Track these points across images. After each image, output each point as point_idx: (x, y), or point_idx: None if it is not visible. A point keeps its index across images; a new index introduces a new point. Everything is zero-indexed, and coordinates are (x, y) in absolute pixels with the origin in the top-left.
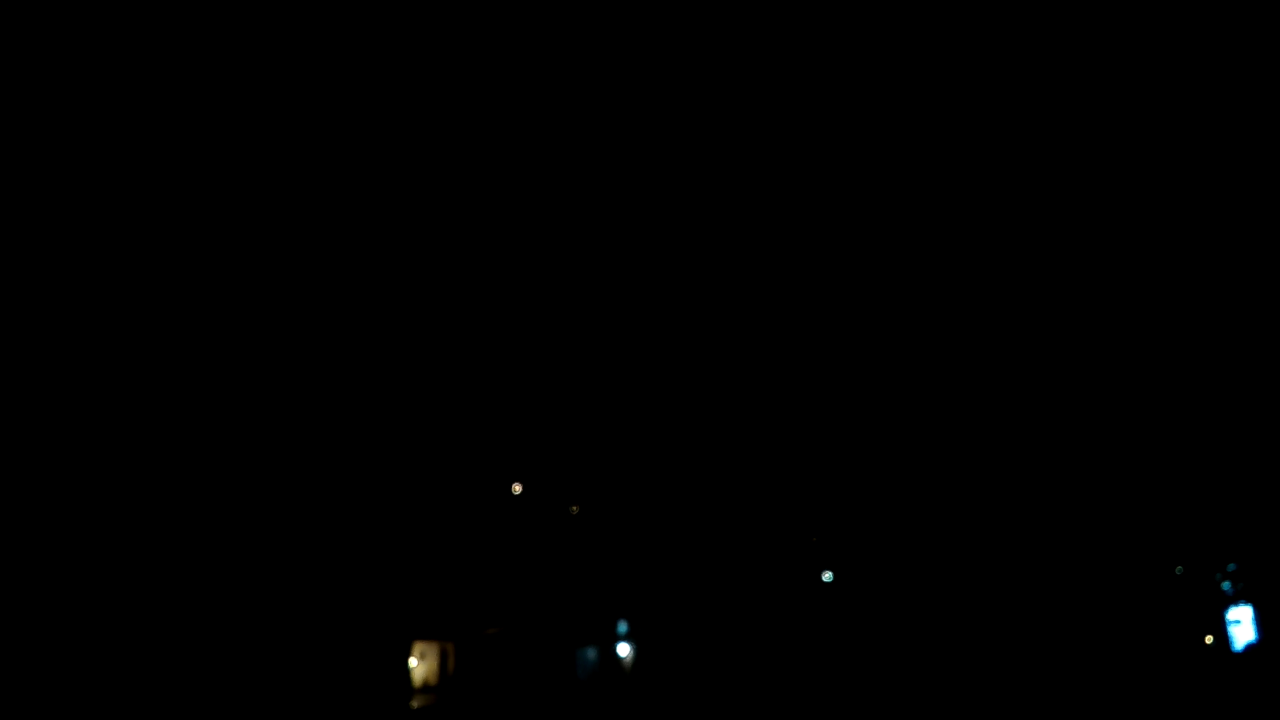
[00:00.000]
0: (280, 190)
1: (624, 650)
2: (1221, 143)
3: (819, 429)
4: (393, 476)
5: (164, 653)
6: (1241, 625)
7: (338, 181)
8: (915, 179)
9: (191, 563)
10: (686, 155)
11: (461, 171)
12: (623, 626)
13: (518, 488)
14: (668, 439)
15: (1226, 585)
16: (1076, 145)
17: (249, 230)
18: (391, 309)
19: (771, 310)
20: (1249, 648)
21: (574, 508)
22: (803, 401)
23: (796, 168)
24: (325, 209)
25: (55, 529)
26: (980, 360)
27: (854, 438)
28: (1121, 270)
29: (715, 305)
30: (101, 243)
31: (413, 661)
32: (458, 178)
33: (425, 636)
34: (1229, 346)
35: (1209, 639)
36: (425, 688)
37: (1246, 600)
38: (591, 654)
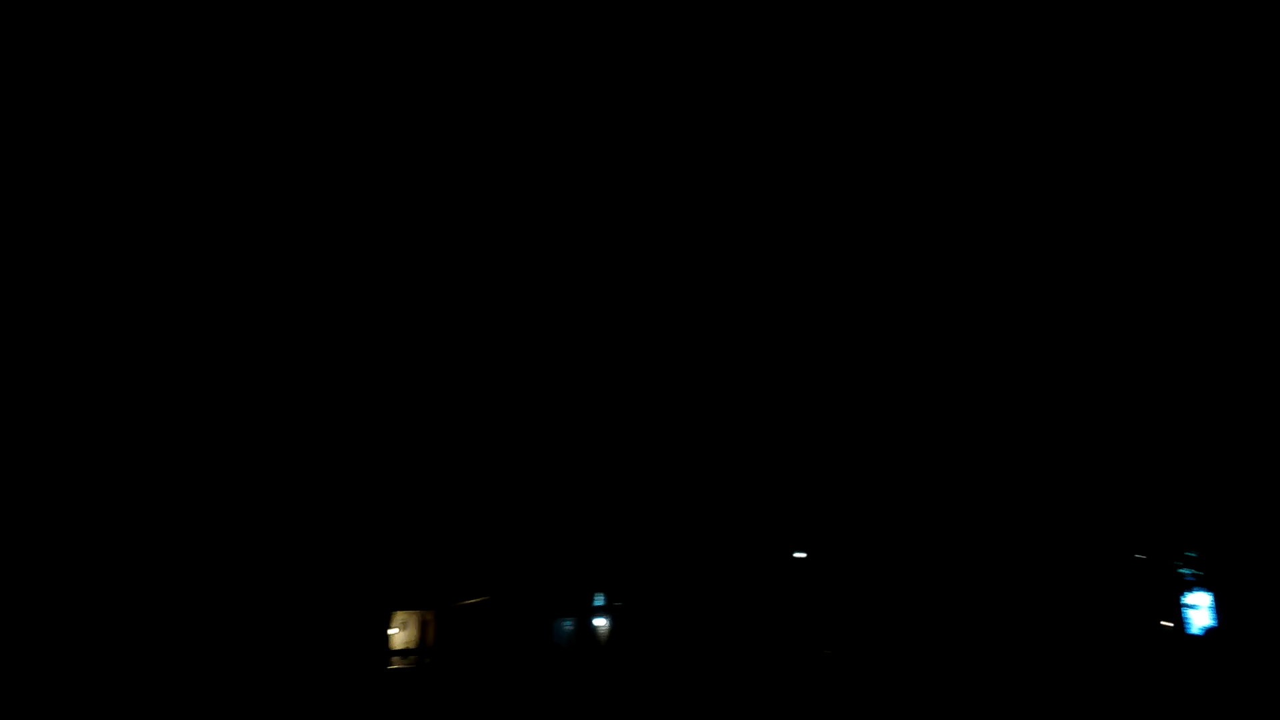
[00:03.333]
0: (281, 190)
1: (600, 622)
2: (1221, 143)
3: (799, 413)
4: (375, 452)
5: (147, 625)
6: (1199, 610)
7: (339, 182)
8: (915, 179)
9: (178, 537)
10: (687, 155)
11: (469, 170)
12: (599, 599)
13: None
14: (648, 418)
15: (1186, 571)
16: (1076, 145)
17: (249, 230)
18: (378, 297)
19: (760, 300)
20: (1208, 632)
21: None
22: (785, 385)
23: (796, 168)
24: (326, 209)
25: (34, 502)
26: (954, 350)
27: (831, 422)
28: (1093, 264)
29: (700, 295)
30: (101, 243)
31: (393, 630)
32: (465, 177)
33: (406, 606)
34: (1192, 339)
35: (1167, 624)
36: (405, 654)
37: (1205, 587)
38: (568, 625)
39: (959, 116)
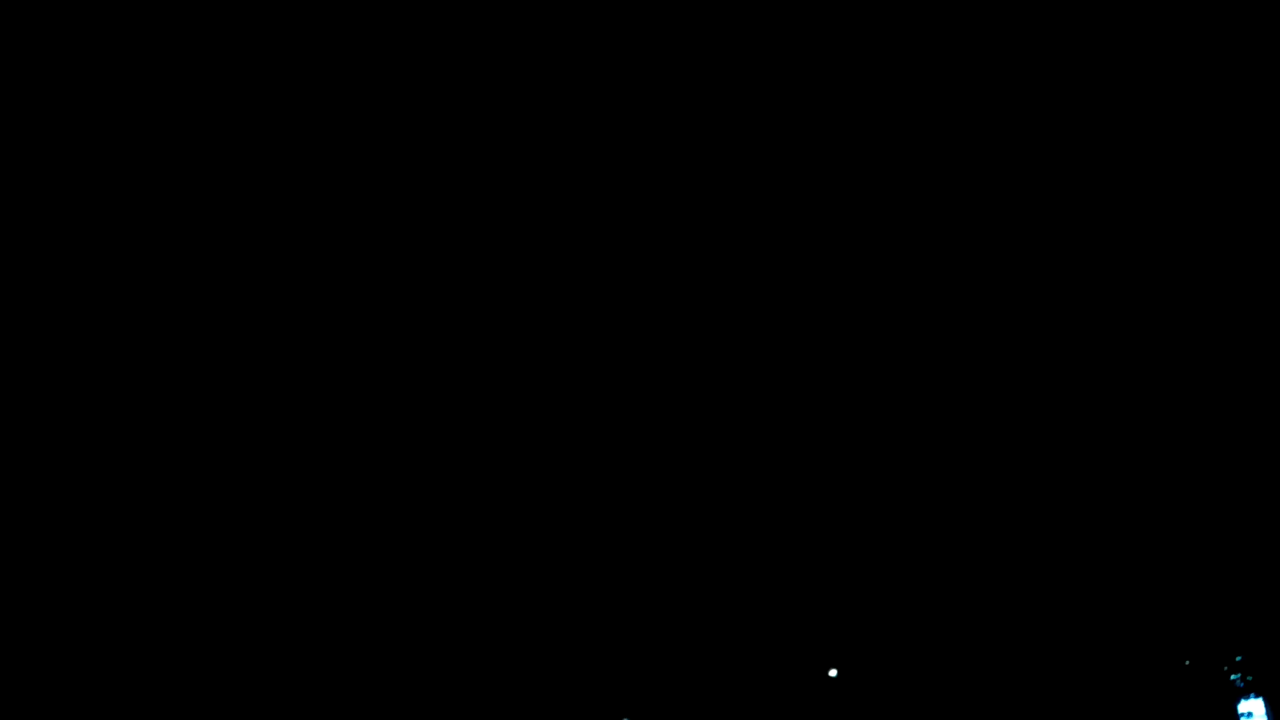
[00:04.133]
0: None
1: None
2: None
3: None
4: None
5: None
6: (1254, 718)
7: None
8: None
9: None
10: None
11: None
12: None
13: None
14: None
15: (1235, 677)
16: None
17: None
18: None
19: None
20: None
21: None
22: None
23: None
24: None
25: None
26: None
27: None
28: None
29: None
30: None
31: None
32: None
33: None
34: (1228, 425)
35: None
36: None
37: (1257, 692)
38: None
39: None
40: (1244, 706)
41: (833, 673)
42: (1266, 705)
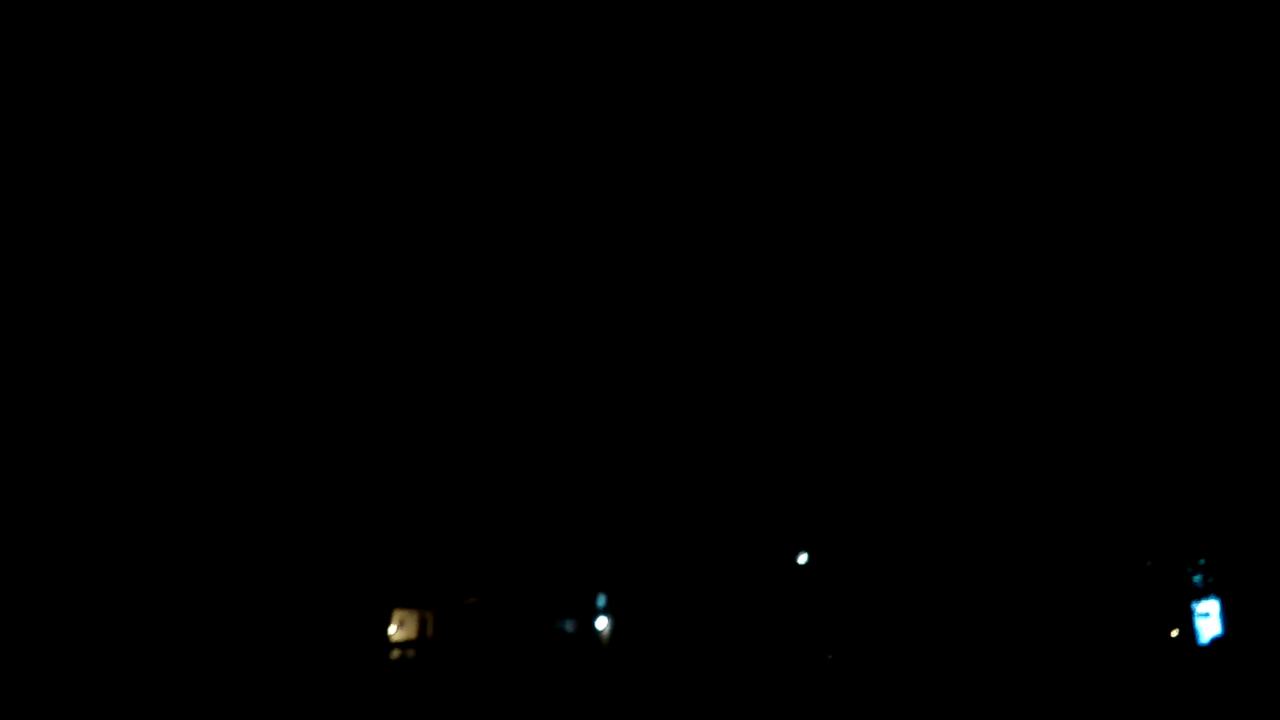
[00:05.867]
0: (282, 190)
1: (602, 624)
2: (1222, 143)
3: (802, 410)
4: (375, 449)
5: (141, 626)
6: (1209, 619)
7: (337, 180)
8: (916, 178)
9: (172, 534)
10: (689, 155)
11: (467, 169)
12: (601, 600)
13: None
14: (651, 414)
15: (1197, 579)
16: (1077, 145)
17: (247, 228)
18: (377, 292)
19: (758, 300)
20: (1214, 642)
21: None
22: (789, 383)
23: (797, 167)
24: (323, 207)
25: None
26: (958, 352)
27: (829, 416)
28: (1093, 262)
29: (699, 292)
30: (101, 242)
31: (392, 629)
32: (464, 175)
33: (405, 605)
34: (1201, 340)
35: (1175, 633)
36: (404, 646)
37: (1214, 594)
38: (569, 626)
39: (959, 116)
40: (1201, 607)
41: (802, 559)
42: (1221, 604)
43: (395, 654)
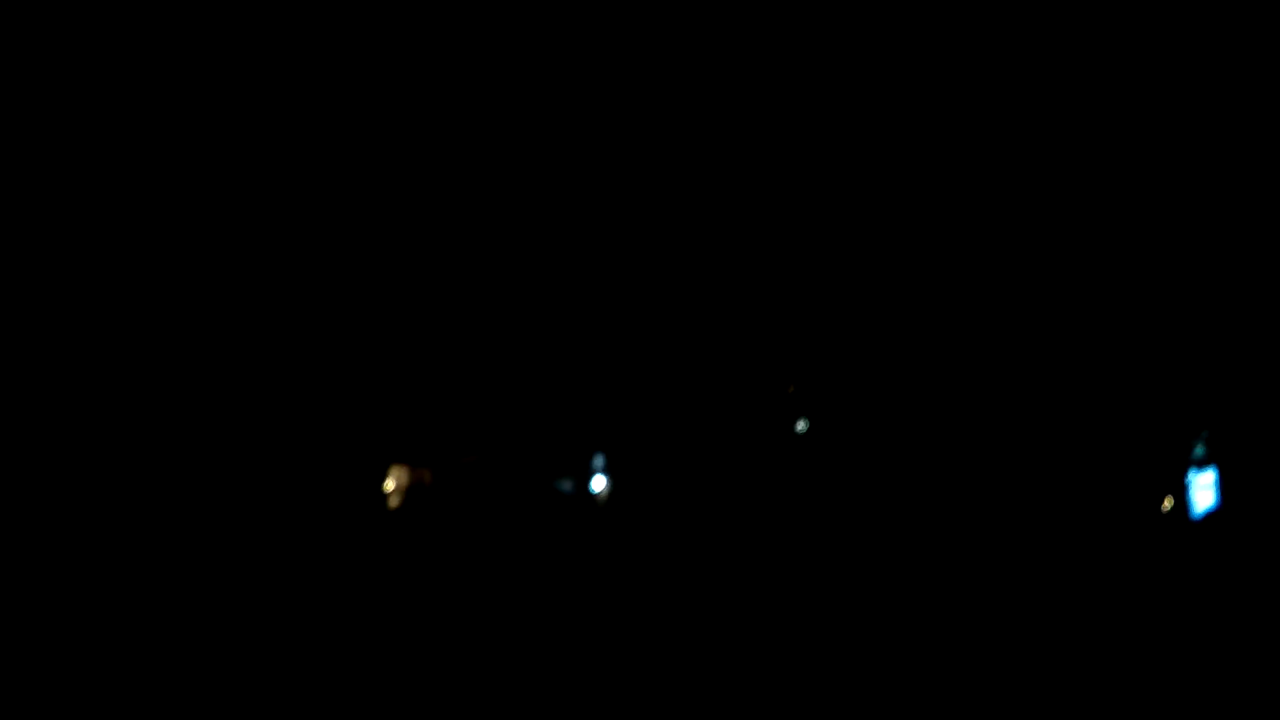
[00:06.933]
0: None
1: (599, 484)
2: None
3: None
4: (365, 307)
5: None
6: (1204, 490)
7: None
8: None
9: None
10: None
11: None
12: (599, 460)
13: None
14: (655, 281)
15: (1199, 450)
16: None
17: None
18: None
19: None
20: (1208, 514)
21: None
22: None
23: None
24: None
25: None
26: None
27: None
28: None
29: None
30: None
31: (389, 484)
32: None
33: (400, 462)
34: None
35: (1168, 504)
36: (398, 508)
37: (1211, 464)
38: (567, 486)
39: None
40: (1198, 479)
41: (801, 426)
42: (1217, 475)
43: (393, 502)
